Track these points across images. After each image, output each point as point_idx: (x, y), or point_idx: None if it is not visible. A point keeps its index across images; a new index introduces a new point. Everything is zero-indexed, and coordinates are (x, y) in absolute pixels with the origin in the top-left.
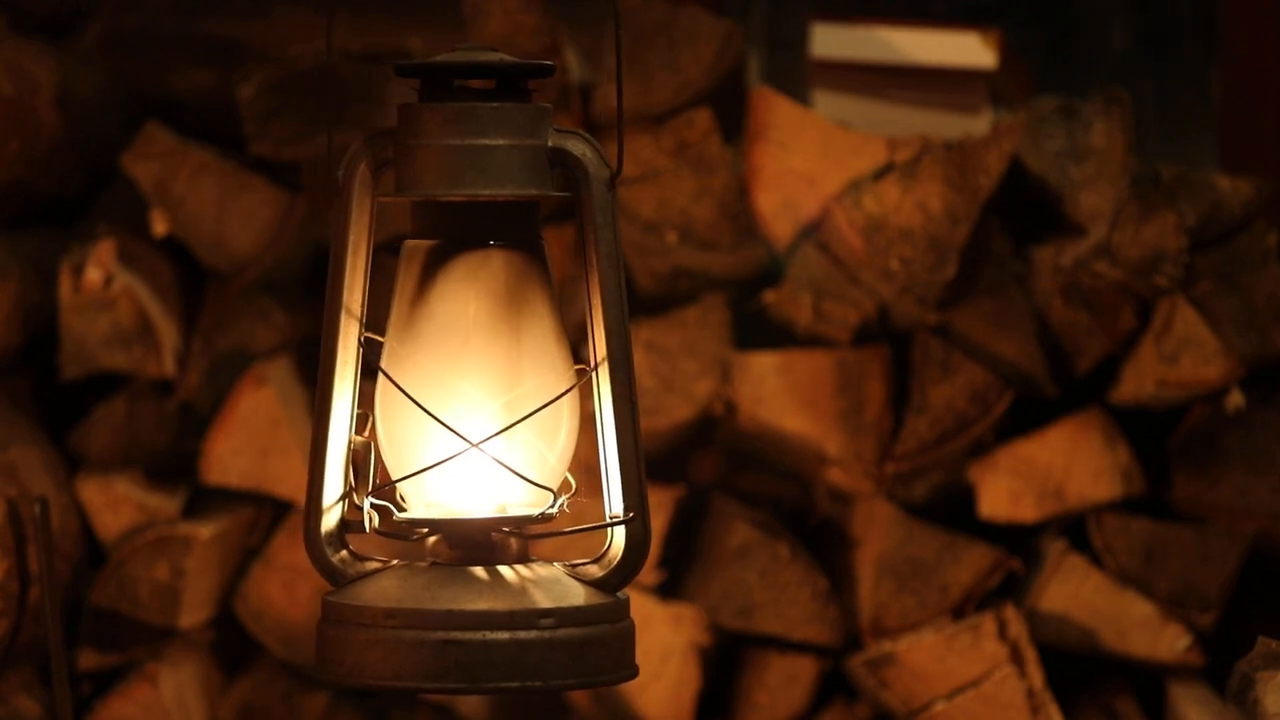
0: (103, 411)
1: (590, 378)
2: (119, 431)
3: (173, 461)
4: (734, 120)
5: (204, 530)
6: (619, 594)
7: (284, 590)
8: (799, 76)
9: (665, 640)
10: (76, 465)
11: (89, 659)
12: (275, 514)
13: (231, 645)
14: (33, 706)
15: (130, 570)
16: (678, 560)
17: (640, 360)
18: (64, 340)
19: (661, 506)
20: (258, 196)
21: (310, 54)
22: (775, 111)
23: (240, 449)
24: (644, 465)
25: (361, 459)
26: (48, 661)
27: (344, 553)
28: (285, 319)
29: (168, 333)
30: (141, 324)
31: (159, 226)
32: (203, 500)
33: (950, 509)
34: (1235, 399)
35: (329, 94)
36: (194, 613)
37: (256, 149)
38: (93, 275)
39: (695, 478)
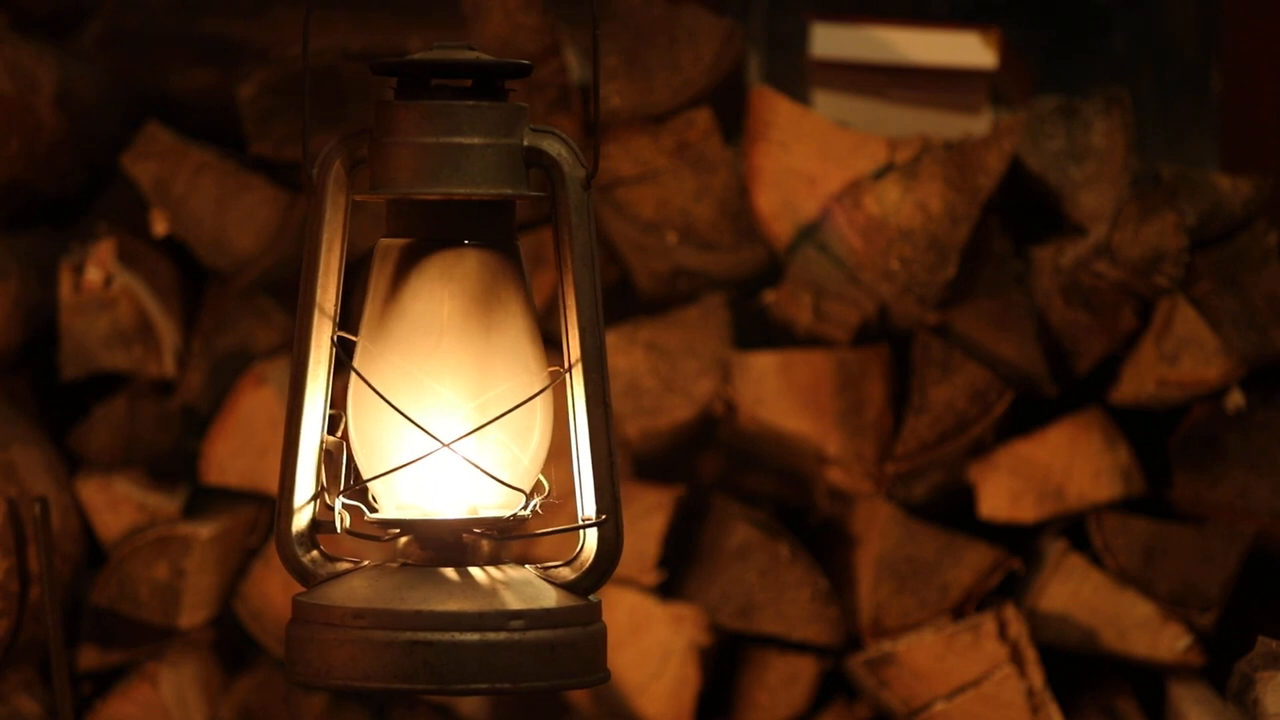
0: (103, 411)
1: (564, 379)
2: (119, 431)
3: (173, 461)
4: (734, 120)
5: (204, 530)
6: (590, 597)
7: (284, 590)
8: (799, 76)
9: (665, 640)
10: (76, 465)
11: (89, 659)
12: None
13: (231, 645)
14: (33, 706)
15: (130, 570)
16: (678, 560)
17: (640, 360)
18: (64, 340)
19: (661, 506)
20: (258, 196)
21: (310, 53)
22: (775, 111)
23: (240, 449)
24: (617, 467)
25: (334, 459)
26: (48, 661)
27: (315, 553)
28: (285, 319)
29: (168, 333)
30: (141, 324)
31: (159, 226)
32: (203, 500)
33: (950, 509)
34: (1235, 399)
35: (329, 94)
36: (194, 613)
37: (256, 149)
38: (93, 275)
39: (695, 478)
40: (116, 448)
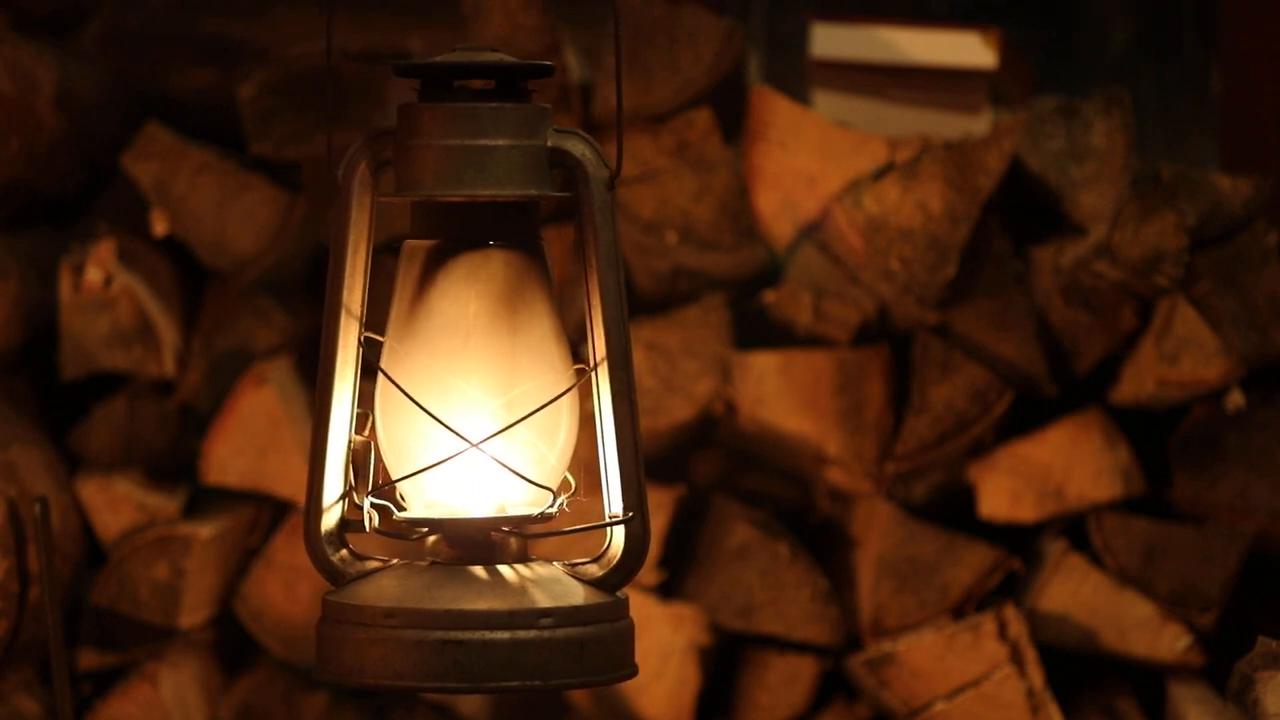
0: (103, 411)
1: (590, 377)
2: (119, 431)
3: (173, 461)
4: (734, 120)
5: (204, 530)
6: (618, 593)
7: (284, 590)
8: (799, 76)
9: (665, 640)
10: (76, 465)
11: (89, 659)
12: (275, 514)
13: (231, 645)
14: (33, 706)
15: (130, 570)
16: (678, 560)
17: (641, 360)
18: (64, 340)
19: (661, 506)
20: (258, 196)
21: (310, 54)
22: (775, 111)
23: (240, 449)
24: (643, 464)
25: (361, 458)
26: (48, 661)
27: (344, 552)
28: (285, 319)
29: (168, 333)
30: (141, 324)
31: (159, 226)
32: (203, 500)
33: (950, 509)
34: (1235, 399)
35: (329, 94)
36: (194, 613)
37: (256, 149)
38: (93, 275)
39: (695, 478)
40: (116, 448)
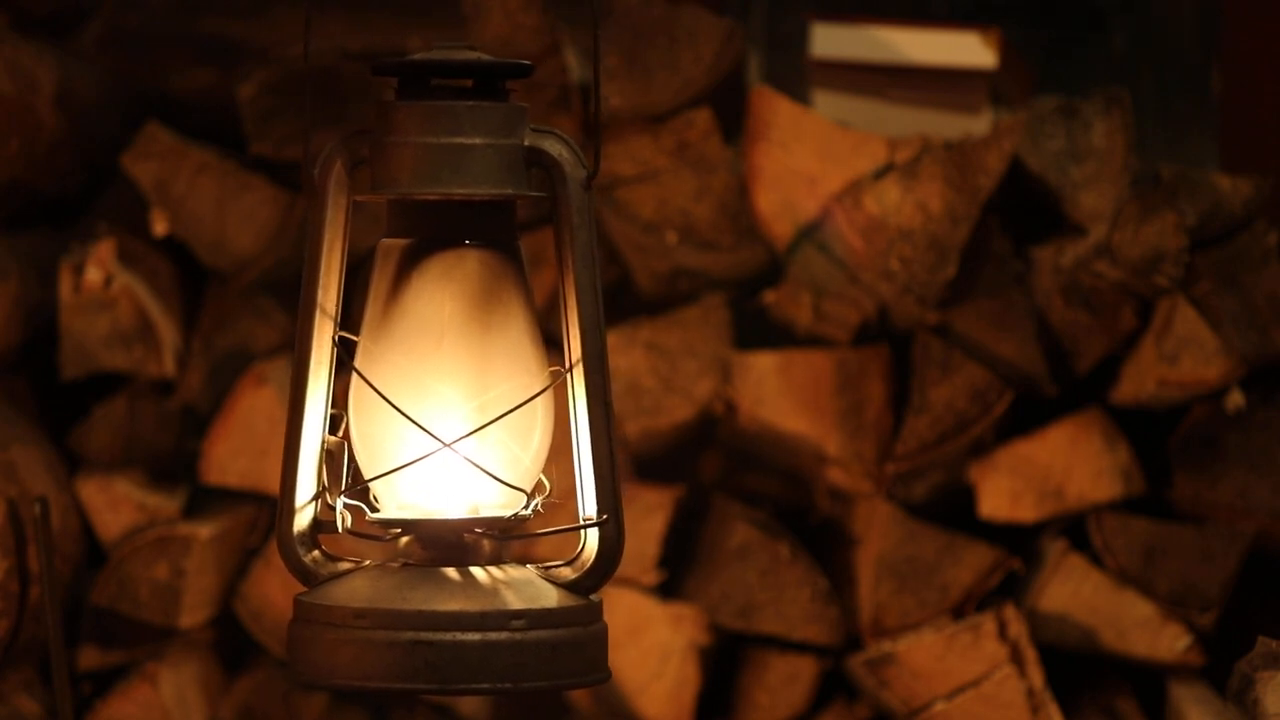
0: (103, 411)
1: (565, 379)
2: (119, 431)
3: (173, 461)
4: (734, 120)
5: (204, 530)
6: (591, 597)
7: (284, 590)
8: (799, 76)
9: (665, 640)
10: (76, 465)
11: (89, 659)
12: (275, 514)
13: (231, 645)
14: (33, 706)
15: (130, 570)
16: (678, 560)
17: (640, 360)
18: (64, 340)
19: (661, 506)
20: (258, 196)
21: (310, 53)
22: (775, 111)
23: (240, 449)
24: (618, 467)
25: (335, 459)
26: (48, 661)
27: (316, 553)
28: (285, 319)
29: (168, 333)
30: (141, 324)
31: (159, 226)
32: (203, 500)
33: (950, 509)
34: (1235, 398)
35: (329, 94)
36: (194, 613)
37: (256, 149)
38: (93, 275)
39: (695, 478)
40: (116, 448)
